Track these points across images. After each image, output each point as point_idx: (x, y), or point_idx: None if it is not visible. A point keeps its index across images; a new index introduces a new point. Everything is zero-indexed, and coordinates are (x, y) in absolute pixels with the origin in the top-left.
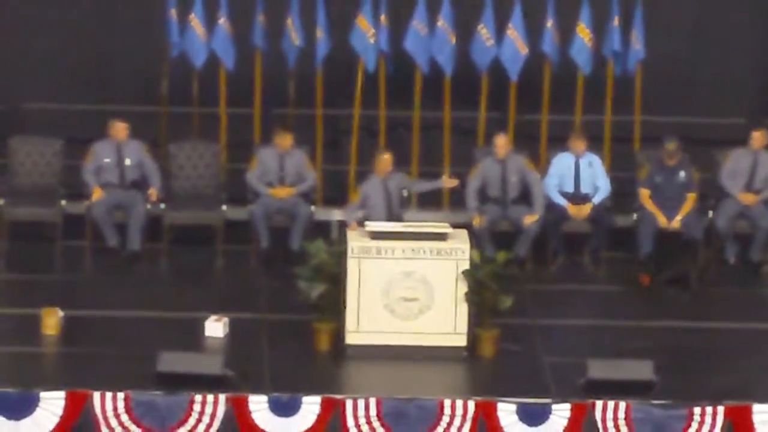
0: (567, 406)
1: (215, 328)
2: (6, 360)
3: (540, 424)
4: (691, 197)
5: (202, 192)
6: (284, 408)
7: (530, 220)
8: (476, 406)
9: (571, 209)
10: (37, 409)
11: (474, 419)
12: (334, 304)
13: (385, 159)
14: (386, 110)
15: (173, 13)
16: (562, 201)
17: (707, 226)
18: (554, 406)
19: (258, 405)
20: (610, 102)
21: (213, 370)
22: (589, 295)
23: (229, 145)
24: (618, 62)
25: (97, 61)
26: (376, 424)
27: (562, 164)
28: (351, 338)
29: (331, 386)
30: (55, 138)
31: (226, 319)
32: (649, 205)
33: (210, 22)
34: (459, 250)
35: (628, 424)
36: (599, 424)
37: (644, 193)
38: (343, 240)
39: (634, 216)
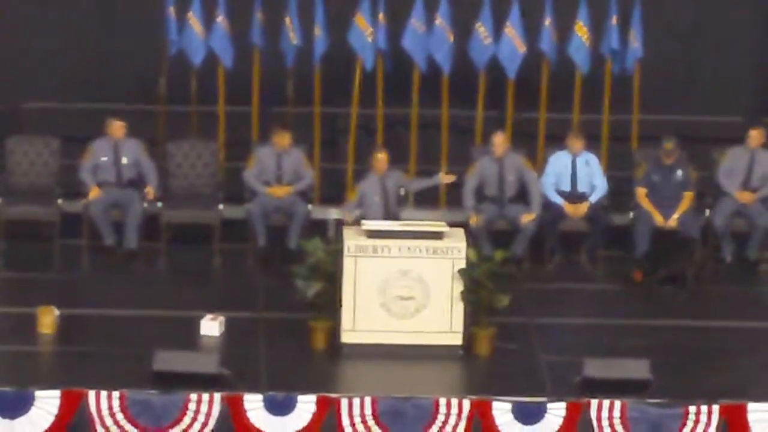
0: (562, 405)
1: (211, 326)
2: (2, 358)
3: (535, 422)
4: (688, 196)
5: (200, 191)
6: (280, 407)
7: (527, 218)
8: (472, 405)
9: (568, 208)
10: (33, 407)
11: (469, 418)
12: (330, 303)
13: (381, 158)
14: (384, 108)
15: (171, 11)
16: (559, 200)
17: (704, 225)
18: (549, 405)
19: (253, 404)
20: (608, 101)
21: (209, 369)
22: (586, 294)
23: (227, 143)
24: (616, 61)
25: (95, 60)
26: (371, 422)
27: (559, 163)
28: (347, 337)
29: (326, 385)
30: (53, 137)
31: (221, 318)
32: (646, 204)
33: (208, 21)
34: (455, 249)
35: (623, 423)
36: (594, 423)
37: (641, 191)
38: (339, 239)
39: (631, 215)
